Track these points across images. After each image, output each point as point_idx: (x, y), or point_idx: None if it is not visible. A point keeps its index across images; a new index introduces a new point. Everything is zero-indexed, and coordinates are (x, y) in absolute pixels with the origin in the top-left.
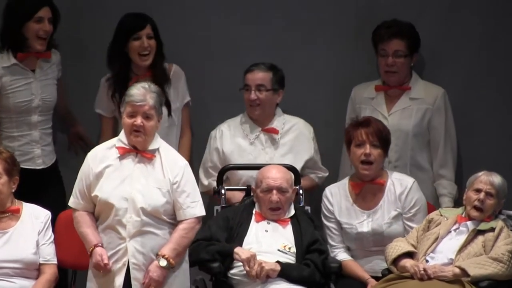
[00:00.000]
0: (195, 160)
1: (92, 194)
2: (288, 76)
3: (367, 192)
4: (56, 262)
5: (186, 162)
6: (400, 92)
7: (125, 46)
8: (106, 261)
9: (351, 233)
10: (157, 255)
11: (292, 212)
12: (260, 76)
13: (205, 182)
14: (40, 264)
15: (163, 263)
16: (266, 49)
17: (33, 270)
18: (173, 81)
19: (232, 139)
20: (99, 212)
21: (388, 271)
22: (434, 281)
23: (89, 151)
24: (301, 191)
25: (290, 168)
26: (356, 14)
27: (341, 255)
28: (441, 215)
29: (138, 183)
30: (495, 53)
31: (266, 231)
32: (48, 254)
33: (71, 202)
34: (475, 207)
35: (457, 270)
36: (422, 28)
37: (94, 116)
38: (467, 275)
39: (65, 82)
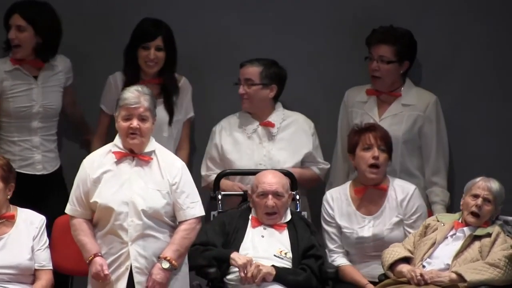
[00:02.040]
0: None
1: (91, 201)
2: (290, 75)
3: (369, 197)
4: (51, 268)
5: (183, 163)
6: (393, 98)
7: (135, 51)
8: (106, 272)
9: (351, 238)
10: (159, 257)
11: (289, 217)
12: (249, 70)
13: (203, 172)
14: (36, 270)
15: (166, 265)
16: (264, 48)
17: (28, 275)
18: (179, 93)
19: (230, 134)
20: (99, 218)
21: (384, 276)
22: (430, 287)
23: None
24: (297, 197)
25: (287, 173)
26: (356, 16)
27: (340, 260)
28: (438, 221)
29: (137, 186)
30: (494, 59)
31: (263, 236)
32: (44, 259)
33: (68, 209)
34: (472, 213)
35: (453, 276)
36: (421, 34)
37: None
38: (464, 280)
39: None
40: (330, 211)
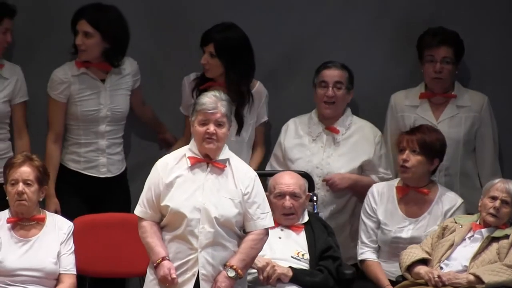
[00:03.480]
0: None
1: (162, 204)
2: None
3: (412, 199)
4: (75, 273)
5: (256, 174)
6: (444, 99)
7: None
8: (174, 276)
9: (388, 235)
10: (225, 265)
11: (306, 218)
12: (338, 73)
13: (268, 168)
14: (60, 274)
15: (232, 273)
16: (310, 56)
17: (52, 279)
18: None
19: (295, 134)
20: (169, 222)
21: (402, 277)
22: None
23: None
24: (315, 198)
25: (304, 174)
26: (396, 19)
27: (369, 254)
28: (456, 223)
29: (210, 193)
30: None
31: (280, 237)
32: (68, 264)
33: (138, 211)
34: (490, 215)
35: (471, 277)
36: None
37: None
38: (482, 282)
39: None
40: (373, 205)
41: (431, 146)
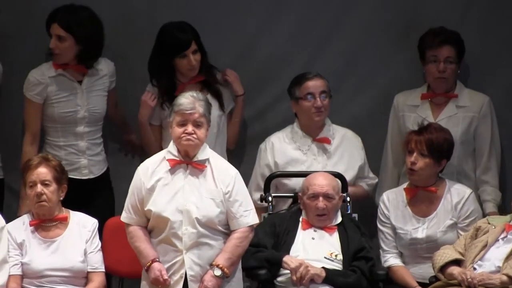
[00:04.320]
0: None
1: (145, 209)
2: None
3: (422, 199)
4: (104, 270)
5: (237, 171)
6: (445, 99)
7: (170, 61)
8: (165, 277)
9: (405, 239)
10: (211, 264)
11: (339, 219)
12: (321, 83)
13: (256, 196)
14: (88, 272)
15: (218, 272)
16: (307, 57)
17: (81, 278)
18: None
19: (284, 151)
20: (153, 226)
21: (435, 278)
22: None
23: (137, 158)
24: (348, 198)
25: (337, 175)
26: (399, 20)
27: (392, 261)
28: (489, 223)
29: (191, 194)
30: None
31: (313, 238)
32: (96, 262)
33: (124, 217)
34: None
35: (504, 278)
36: (465, 35)
37: None
38: None
39: None
40: (386, 212)
41: (439, 147)
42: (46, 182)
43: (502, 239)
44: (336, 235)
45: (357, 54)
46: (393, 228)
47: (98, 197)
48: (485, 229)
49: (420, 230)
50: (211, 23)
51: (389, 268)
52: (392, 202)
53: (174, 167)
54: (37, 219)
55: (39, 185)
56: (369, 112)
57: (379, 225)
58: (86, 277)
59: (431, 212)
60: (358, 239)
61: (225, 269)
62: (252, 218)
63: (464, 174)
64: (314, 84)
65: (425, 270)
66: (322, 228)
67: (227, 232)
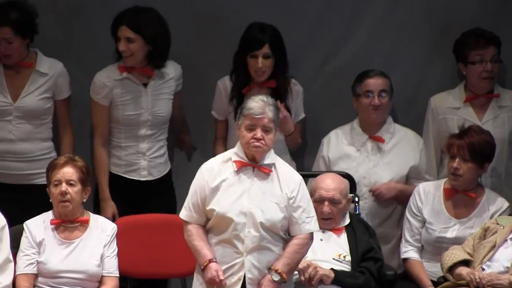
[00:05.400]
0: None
1: (208, 208)
2: None
3: (459, 201)
4: (118, 275)
5: (301, 177)
6: (485, 100)
7: (244, 58)
8: (222, 277)
9: (432, 235)
10: (269, 269)
11: (347, 221)
12: (381, 81)
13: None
14: (102, 276)
15: (276, 277)
16: (349, 56)
17: (95, 282)
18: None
19: (338, 145)
20: (214, 225)
21: (444, 278)
22: None
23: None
24: (356, 199)
25: (345, 175)
26: (434, 22)
27: (412, 254)
28: (497, 224)
29: (256, 198)
30: None
31: (321, 240)
32: (111, 266)
33: (183, 215)
34: None
35: None
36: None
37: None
38: None
39: None
40: (419, 204)
41: (481, 151)
42: (71, 182)
43: (511, 239)
44: (344, 236)
45: (391, 54)
46: (423, 222)
47: (156, 199)
48: (494, 230)
49: (450, 230)
50: None
51: (406, 260)
52: (428, 196)
53: (240, 169)
54: (59, 219)
55: (64, 184)
56: (405, 112)
57: (408, 215)
58: (100, 281)
59: (466, 215)
60: (367, 240)
61: (284, 275)
62: (313, 225)
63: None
64: (374, 82)
65: (439, 269)
66: (330, 230)
67: (285, 238)
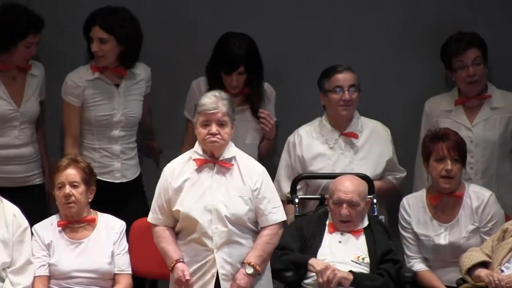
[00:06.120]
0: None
1: (173, 209)
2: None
3: (444, 204)
4: (130, 272)
5: (264, 168)
6: (479, 102)
7: (218, 71)
8: (187, 277)
9: (428, 245)
10: (243, 262)
11: (366, 223)
12: (350, 76)
13: (287, 189)
14: (115, 274)
15: (250, 270)
16: (339, 56)
17: (108, 280)
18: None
19: (311, 145)
20: (182, 226)
21: (462, 280)
22: None
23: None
24: (375, 200)
25: (363, 177)
26: (428, 24)
27: (418, 265)
28: None
29: (219, 193)
30: None
31: (340, 242)
32: (123, 264)
33: (150, 218)
34: None
35: None
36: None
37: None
38: None
39: None
40: (407, 217)
41: (464, 150)
42: (75, 184)
43: None
44: (362, 238)
45: (388, 57)
46: (415, 234)
47: (130, 201)
48: None
49: (442, 236)
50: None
51: (415, 273)
52: (413, 208)
53: (201, 166)
54: (65, 220)
55: (67, 187)
56: (399, 115)
57: (401, 231)
58: (113, 279)
59: (452, 218)
60: (385, 242)
61: (257, 267)
62: (280, 215)
63: (503, 176)
64: (343, 77)
65: (452, 275)
66: (348, 232)
67: (256, 230)
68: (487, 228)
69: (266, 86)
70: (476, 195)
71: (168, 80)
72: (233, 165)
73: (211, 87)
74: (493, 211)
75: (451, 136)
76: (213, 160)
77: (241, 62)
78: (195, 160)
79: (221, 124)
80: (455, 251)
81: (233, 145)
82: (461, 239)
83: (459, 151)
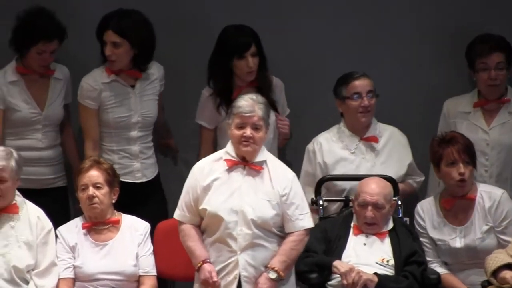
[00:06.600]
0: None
1: (200, 207)
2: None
3: (458, 208)
4: (155, 274)
5: (294, 174)
6: (497, 106)
7: (228, 62)
8: (215, 279)
9: (444, 249)
10: (266, 267)
11: (391, 225)
12: (368, 82)
13: (312, 196)
14: (140, 276)
15: (273, 275)
16: (356, 59)
17: (133, 282)
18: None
19: (331, 150)
20: (207, 225)
21: (487, 282)
22: None
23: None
24: (399, 202)
25: (388, 179)
26: (449, 27)
27: (438, 269)
28: None
29: (247, 195)
30: None
31: (365, 244)
32: (148, 265)
33: (177, 215)
34: None
35: None
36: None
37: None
38: None
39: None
40: (422, 223)
41: (473, 151)
42: (98, 185)
43: None
44: (387, 240)
45: (407, 58)
46: (431, 239)
47: (151, 200)
48: None
49: (457, 239)
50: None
51: (440, 275)
52: (427, 213)
53: (232, 167)
54: (90, 222)
55: (91, 188)
56: (417, 116)
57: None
58: (138, 280)
59: (466, 221)
60: (410, 244)
61: (280, 272)
62: (307, 221)
63: None
64: (361, 84)
65: (472, 278)
66: (373, 234)
67: (281, 234)
68: (502, 227)
69: (275, 79)
70: (488, 195)
71: (179, 81)
72: (263, 168)
73: (217, 83)
74: (507, 209)
75: (459, 139)
76: (244, 162)
77: (252, 40)
78: (226, 160)
79: (255, 128)
80: (471, 253)
81: (265, 149)
82: (476, 240)
83: (469, 153)
